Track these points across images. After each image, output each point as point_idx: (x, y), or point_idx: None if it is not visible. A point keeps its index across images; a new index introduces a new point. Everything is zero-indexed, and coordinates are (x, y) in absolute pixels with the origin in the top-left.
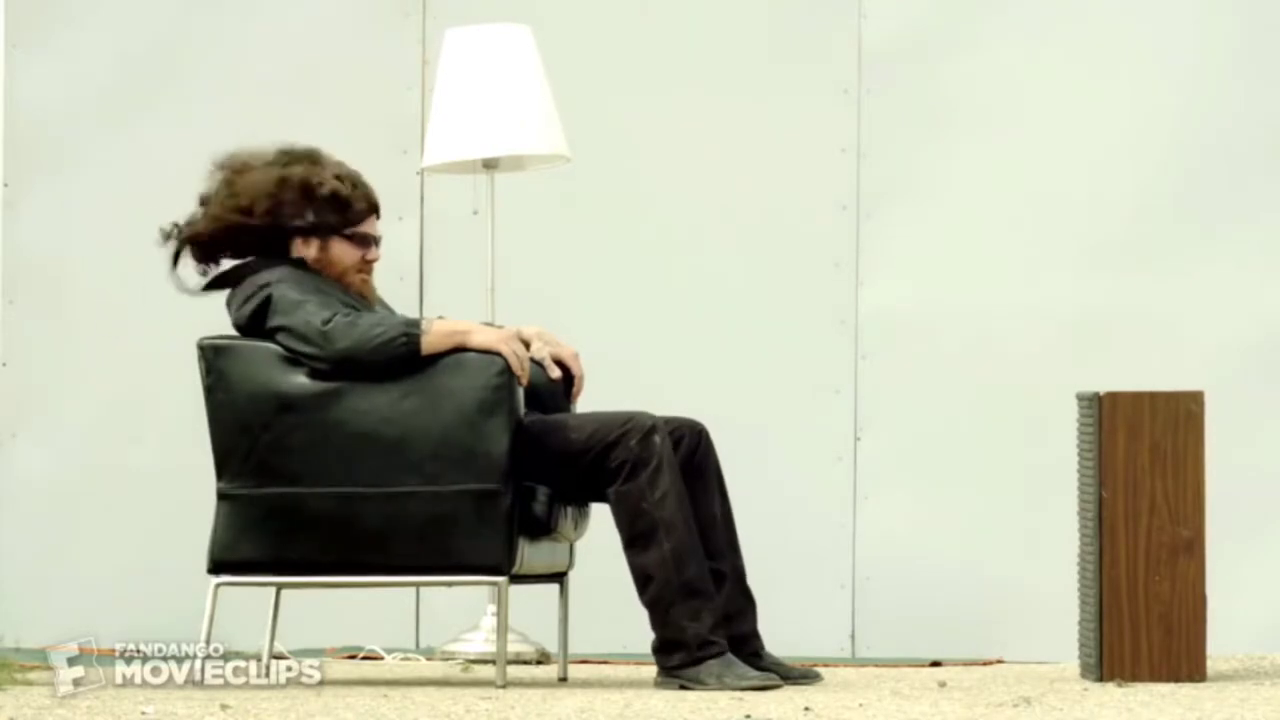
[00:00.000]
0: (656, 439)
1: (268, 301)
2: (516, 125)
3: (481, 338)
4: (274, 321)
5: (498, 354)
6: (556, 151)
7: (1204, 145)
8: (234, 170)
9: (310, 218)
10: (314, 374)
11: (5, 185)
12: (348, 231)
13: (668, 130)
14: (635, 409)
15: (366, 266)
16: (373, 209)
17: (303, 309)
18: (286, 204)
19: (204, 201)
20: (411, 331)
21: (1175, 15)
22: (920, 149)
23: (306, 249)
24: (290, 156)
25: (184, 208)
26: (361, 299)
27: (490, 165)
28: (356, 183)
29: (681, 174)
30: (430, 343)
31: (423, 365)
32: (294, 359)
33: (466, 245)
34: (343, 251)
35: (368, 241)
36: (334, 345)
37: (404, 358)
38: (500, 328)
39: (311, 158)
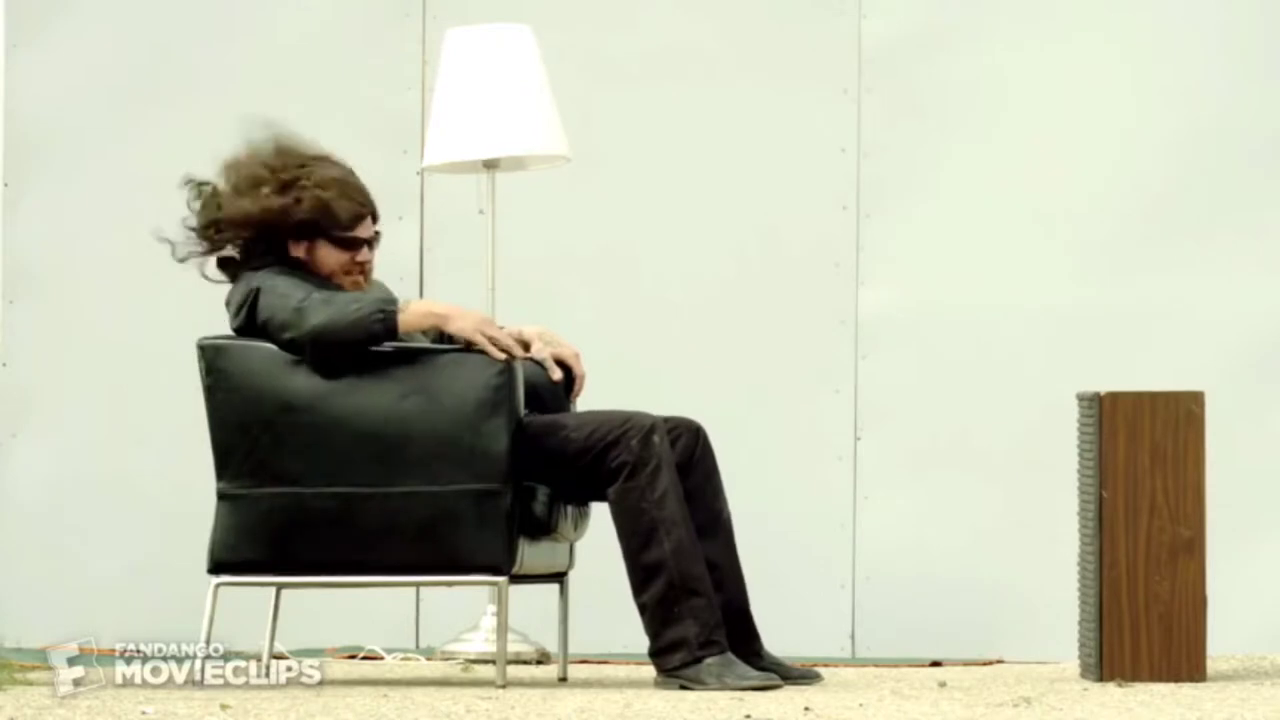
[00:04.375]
0: (656, 439)
1: (257, 298)
2: (516, 125)
3: (458, 324)
4: (260, 317)
5: (472, 344)
6: (556, 151)
7: (1204, 145)
8: (226, 180)
9: (295, 219)
10: (302, 361)
11: (5, 185)
12: (333, 234)
13: (667, 130)
14: (635, 409)
15: (355, 268)
16: (364, 214)
17: (276, 294)
18: (275, 206)
19: (201, 209)
20: (388, 308)
21: (1175, 15)
22: (920, 149)
23: (297, 249)
24: (285, 159)
25: (183, 207)
26: None
27: (490, 165)
28: (349, 186)
29: (681, 174)
30: (407, 321)
31: (411, 360)
32: (295, 360)
33: (467, 245)
34: (327, 254)
35: (355, 245)
36: (308, 321)
37: (380, 335)
38: (490, 319)
39: (307, 159)
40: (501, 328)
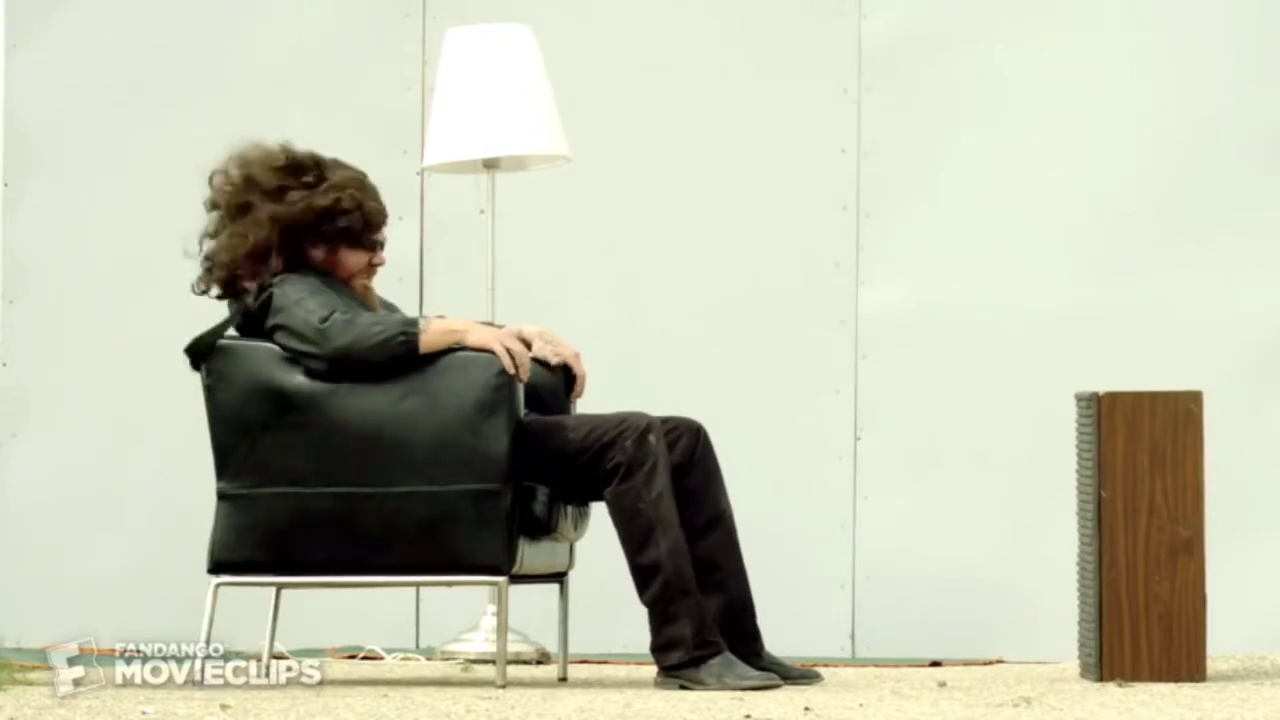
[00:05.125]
0: (652, 439)
1: (269, 301)
2: (517, 125)
3: (477, 337)
4: (272, 320)
5: (492, 352)
6: (557, 151)
7: (1204, 144)
8: (247, 176)
9: (327, 227)
10: (312, 373)
11: (5, 185)
12: (363, 237)
13: (668, 130)
14: (633, 409)
15: (372, 270)
16: (387, 214)
17: (301, 307)
18: (304, 214)
19: (213, 207)
20: (409, 330)
21: (1174, 15)
22: (920, 149)
23: (315, 251)
24: (306, 163)
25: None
26: (361, 302)
27: (491, 165)
28: (370, 187)
29: (681, 174)
30: (428, 341)
31: (420, 365)
32: (294, 359)
33: (466, 245)
34: (350, 256)
35: (376, 246)
36: (331, 343)
37: (402, 356)
38: (500, 327)
39: (328, 165)
40: (502, 327)
